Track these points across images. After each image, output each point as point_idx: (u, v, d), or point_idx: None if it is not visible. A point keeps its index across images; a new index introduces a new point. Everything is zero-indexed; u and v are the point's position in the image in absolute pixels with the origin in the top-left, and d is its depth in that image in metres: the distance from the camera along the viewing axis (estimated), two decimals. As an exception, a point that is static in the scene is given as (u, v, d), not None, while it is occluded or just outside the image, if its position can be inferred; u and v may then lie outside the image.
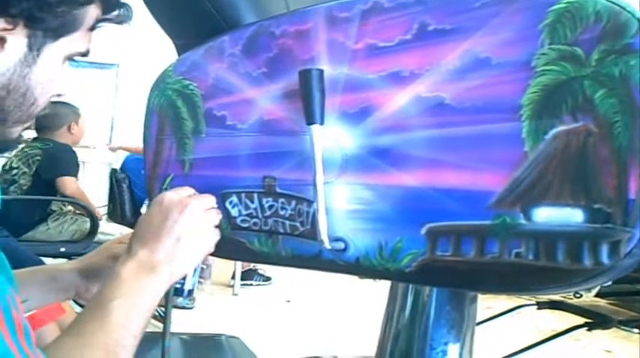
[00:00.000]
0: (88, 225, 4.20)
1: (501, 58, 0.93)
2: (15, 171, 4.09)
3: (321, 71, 1.10)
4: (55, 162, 4.20)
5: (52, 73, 0.95)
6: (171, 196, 1.10)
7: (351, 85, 1.09)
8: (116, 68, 7.95)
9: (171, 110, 1.39)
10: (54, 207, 4.28)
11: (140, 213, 5.13)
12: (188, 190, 1.14)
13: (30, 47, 0.90)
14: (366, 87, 1.07)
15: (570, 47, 0.87)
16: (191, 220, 1.08)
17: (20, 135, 0.99)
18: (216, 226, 1.13)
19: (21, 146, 3.85)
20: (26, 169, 4.11)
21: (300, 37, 1.16)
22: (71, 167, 4.29)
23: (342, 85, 1.10)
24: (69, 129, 4.36)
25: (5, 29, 0.86)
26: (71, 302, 2.79)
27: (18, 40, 0.88)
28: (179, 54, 1.46)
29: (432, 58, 0.99)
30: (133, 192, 5.57)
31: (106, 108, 7.94)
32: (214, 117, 1.30)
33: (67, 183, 4.20)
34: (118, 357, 0.92)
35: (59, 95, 1.00)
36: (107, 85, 7.92)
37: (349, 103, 1.09)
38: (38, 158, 4.14)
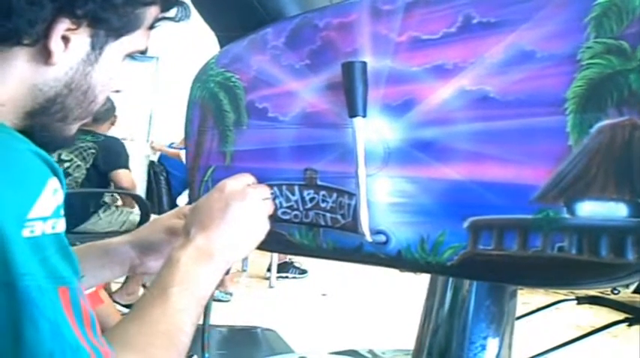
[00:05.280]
0: (134, 216, 4.26)
1: (546, 51, 0.92)
2: (67, 164, 4.11)
3: (364, 63, 1.10)
4: (111, 155, 4.28)
5: (112, 70, 0.98)
6: (232, 184, 1.13)
7: (394, 77, 1.09)
8: (155, 61, 8.00)
9: (214, 102, 1.40)
10: (106, 199, 4.35)
11: (177, 205, 5.18)
12: (248, 178, 1.16)
13: (92, 46, 0.93)
14: (409, 79, 1.06)
15: (616, 41, 0.86)
16: (250, 210, 1.11)
17: (77, 132, 1.02)
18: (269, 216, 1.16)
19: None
20: (80, 162, 4.14)
21: (343, 29, 1.16)
22: (125, 160, 4.38)
23: (385, 78, 1.10)
24: (112, 123, 4.42)
25: (70, 29, 0.88)
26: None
27: (81, 39, 0.91)
28: (221, 46, 1.47)
29: (476, 51, 0.99)
30: (170, 184, 5.62)
31: (145, 100, 7.99)
32: (256, 109, 1.30)
33: (122, 176, 4.29)
34: (180, 342, 0.94)
35: (117, 91, 1.03)
36: (146, 77, 7.97)
37: (392, 96, 1.09)
38: (93, 151, 4.18)
